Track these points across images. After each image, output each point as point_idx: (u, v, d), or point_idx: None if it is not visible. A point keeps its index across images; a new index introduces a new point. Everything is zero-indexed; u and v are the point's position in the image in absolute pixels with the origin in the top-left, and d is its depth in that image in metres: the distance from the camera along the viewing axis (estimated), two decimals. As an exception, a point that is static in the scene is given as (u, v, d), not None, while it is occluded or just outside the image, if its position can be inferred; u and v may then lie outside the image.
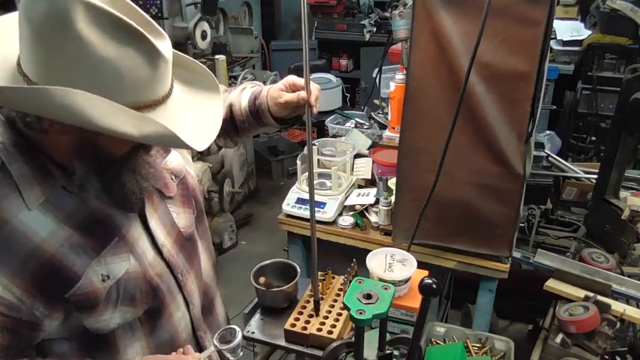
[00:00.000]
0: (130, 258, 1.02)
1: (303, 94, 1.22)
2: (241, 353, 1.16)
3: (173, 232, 1.14)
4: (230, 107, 1.34)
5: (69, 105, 0.77)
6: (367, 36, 5.05)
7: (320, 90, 1.27)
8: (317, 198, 1.99)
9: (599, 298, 1.62)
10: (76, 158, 0.90)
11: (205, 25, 3.71)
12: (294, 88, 1.27)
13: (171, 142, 0.89)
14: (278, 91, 1.28)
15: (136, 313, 1.05)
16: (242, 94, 1.35)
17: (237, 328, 1.16)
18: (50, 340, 0.99)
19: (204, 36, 3.73)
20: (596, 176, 2.16)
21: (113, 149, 0.92)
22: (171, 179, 1.16)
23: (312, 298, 1.43)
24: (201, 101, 1.01)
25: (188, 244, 1.18)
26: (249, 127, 1.35)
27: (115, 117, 0.80)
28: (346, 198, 2.03)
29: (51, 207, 0.92)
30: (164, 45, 0.86)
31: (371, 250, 1.47)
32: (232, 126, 1.35)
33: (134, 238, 1.03)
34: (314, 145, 2.12)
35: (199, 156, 1.30)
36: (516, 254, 1.92)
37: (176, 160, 1.19)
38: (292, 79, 1.28)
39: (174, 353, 1.09)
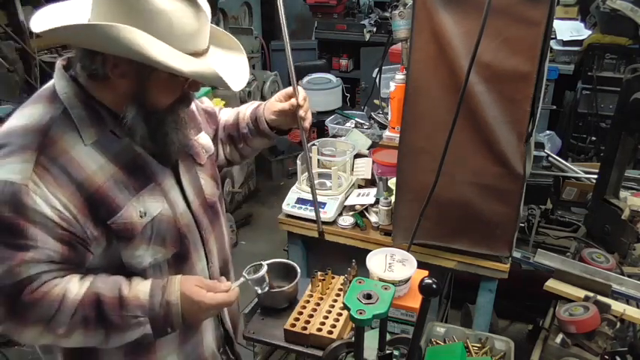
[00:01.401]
0: (164, 202, 1.17)
1: (293, 100, 1.40)
2: (267, 288, 1.29)
3: (200, 195, 1.29)
4: (237, 113, 1.53)
5: (130, 40, 0.94)
6: (367, 36, 5.06)
7: (306, 96, 1.42)
8: (317, 198, 1.99)
9: (599, 298, 1.62)
10: (128, 103, 1.07)
11: (205, 25, 3.71)
12: (287, 99, 1.43)
13: (215, 80, 1.06)
14: (273, 102, 1.46)
15: (166, 255, 1.19)
16: (250, 106, 1.54)
17: (265, 264, 1.27)
18: (95, 269, 1.13)
19: (204, 36, 3.72)
20: (596, 176, 2.17)
21: (160, 98, 1.09)
22: (203, 152, 1.33)
23: (312, 298, 1.44)
24: (230, 57, 1.21)
25: (211, 210, 1.33)
26: (249, 135, 1.50)
27: (168, 55, 0.97)
28: (346, 198, 2.03)
29: (101, 147, 1.09)
30: (204, 2, 1.04)
31: (371, 250, 1.47)
32: (236, 131, 1.51)
33: (167, 188, 1.19)
34: (314, 145, 2.13)
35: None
36: (516, 254, 1.92)
37: (206, 140, 1.38)
38: (285, 90, 1.45)
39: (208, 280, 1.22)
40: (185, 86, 1.11)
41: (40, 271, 1.04)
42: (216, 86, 1.14)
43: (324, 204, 1.98)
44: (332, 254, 1.91)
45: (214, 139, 1.47)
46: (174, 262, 1.21)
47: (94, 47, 1.01)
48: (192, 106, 1.37)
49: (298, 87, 1.40)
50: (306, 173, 2.13)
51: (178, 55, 0.99)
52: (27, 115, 1.07)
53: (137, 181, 1.13)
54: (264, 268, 1.25)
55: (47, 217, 1.02)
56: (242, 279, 1.25)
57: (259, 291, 1.27)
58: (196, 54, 1.05)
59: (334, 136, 2.59)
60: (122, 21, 0.96)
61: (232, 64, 1.19)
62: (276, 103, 1.44)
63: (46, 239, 1.03)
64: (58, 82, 1.10)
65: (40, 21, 1.03)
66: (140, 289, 1.11)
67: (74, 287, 1.07)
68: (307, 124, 1.41)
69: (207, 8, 1.05)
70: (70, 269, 1.09)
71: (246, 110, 1.52)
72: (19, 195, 0.99)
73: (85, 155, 1.06)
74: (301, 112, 1.39)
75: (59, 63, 1.11)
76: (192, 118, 1.34)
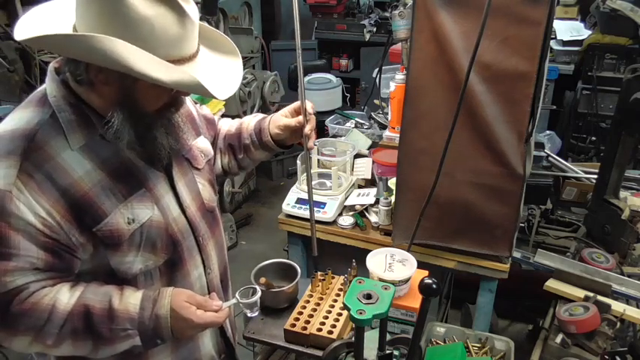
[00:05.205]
0: (155, 208, 1.15)
1: (300, 118, 1.38)
2: (257, 312, 1.28)
3: (197, 200, 1.27)
4: (240, 124, 1.51)
5: (110, 50, 0.92)
6: (367, 36, 5.05)
7: (314, 109, 1.40)
8: (317, 198, 1.99)
9: (599, 298, 1.62)
10: (115, 108, 1.04)
11: (205, 25, 3.70)
12: (294, 114, 1.42)
13: (197, 89, 1.02)
14: (279, 116, 1.44)
15: (157, 262, 1.17)
16: (254, 118, 1.51)
17: (258, 288, 1.26)
18: (85, 275, 1.12)
19: (204, 36, 3.72)
20: (596, 176, 2.17)
21: (147, 103, 1.07)
22: (201, 156, 1.31)
23: (312, 298, 1.43)
24: (224, 62, 1.18)
25: (210, 215, 1.31)
26: (251, 146, 1.47)
27: (148, 64, 0.95)
28: (346, 198, 2.03)
29: (89, 152, 1.07)
30: (190, 7, 1.01)
31: (371, 250, 1.47)
32: (237, 141, 1.49)
33: (160, 194, 1.17)
34: (314, 144, 2.12)
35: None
36: (516, 254, 1.92)
37: (205, 144, 1.36)
38: (293, 105, 1.42)
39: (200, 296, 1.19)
40: (173, 92, 1.08)
41: (28, 281, 1.03)
42: (200, 95, 1.11)
43: (324, 204, 1.98)
44: (332, 254, 1.91)
45: (213, 146, 1.45)
46: (166, 270, 1.19)
47: (76, 56, 1.00)
48: (192, 109, 1.36)
49: (307, 103, 1.37)
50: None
51: (160, 63, 0.96)
52: (16, 119, 1.06)
53: (126, 186, 1.10)
54: (258, 294, 1.24)
55: (30, 224, 1.00)
56: (234, 300, 1.23)
57: (249, 314, 1.27)
58: (182, 60, 1.02)
59: (334, 136, 2.59)
60: (104, 27, 0.94)
61: (223, 70, 1.15)
62: (282, 117, 1.42)
63: (29, 247, 1.01)
64: (48, 85, 1.08)
65: (24, 27, 1.00)
66: (130, 301, 1.10)
67: (64, 297, 1.06)
68: (311, 143, 1.40)
69: (193, 13, 1.01)
70: (59, 277, 1.08)
71: (250, 121, 1.50)
72: (2, 201, 0.99)
73: (72, 160, 1.04)
74: (307, 130, 1.37)
75: (51, 66, 1.10)
76: (191, 121, 1.32)
